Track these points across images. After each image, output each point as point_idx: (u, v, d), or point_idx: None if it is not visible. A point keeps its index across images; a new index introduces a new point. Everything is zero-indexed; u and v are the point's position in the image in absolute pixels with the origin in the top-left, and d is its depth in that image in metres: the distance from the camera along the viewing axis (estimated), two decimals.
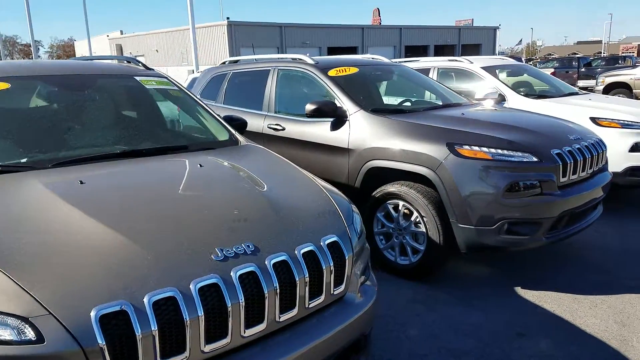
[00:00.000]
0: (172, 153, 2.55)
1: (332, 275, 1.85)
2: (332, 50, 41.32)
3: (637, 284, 3.35)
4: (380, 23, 49.06)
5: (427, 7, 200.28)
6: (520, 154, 3.07)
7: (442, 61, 6.32)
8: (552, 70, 16.70)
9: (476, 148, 3.11)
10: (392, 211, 3.47)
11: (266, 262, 1.69)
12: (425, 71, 6.31)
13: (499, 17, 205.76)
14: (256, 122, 4.48)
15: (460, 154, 3.12)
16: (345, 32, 42.77)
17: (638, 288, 3.29)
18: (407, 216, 3.39)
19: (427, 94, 4.82)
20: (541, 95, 5.63)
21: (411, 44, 47.07)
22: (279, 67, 4.51)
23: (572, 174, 3.21)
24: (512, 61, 6.65)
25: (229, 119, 3.19)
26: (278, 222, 1.91)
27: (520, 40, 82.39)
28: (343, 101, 3.85)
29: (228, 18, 34.96)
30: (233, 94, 4.94)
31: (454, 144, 3.17)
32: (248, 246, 1.72)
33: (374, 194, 3.56)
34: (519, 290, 3.29)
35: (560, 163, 3.11)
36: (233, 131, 3.01)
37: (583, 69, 20.46)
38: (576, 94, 5.99)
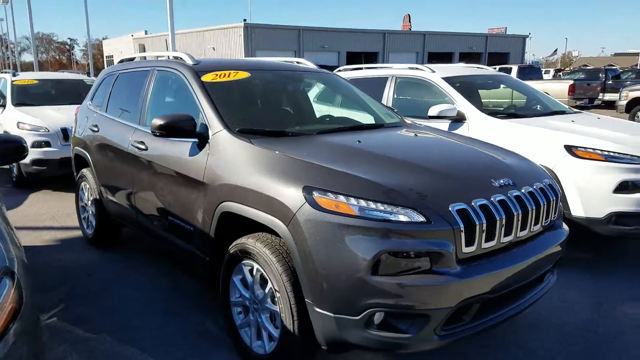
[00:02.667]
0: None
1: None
2: (351, 56, 40.40)
3: None
4: (410, 29, 47.88)
5: (458, 15, 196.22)
6: (399, 209, 2.06)
7: (401, 69, 5.29)
8: (572, 82, 15.25)
9: (341, 198, 2.11)
10: (248, 275, 2.51)
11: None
12: (382, 81, 5.31)
13: (534, 26, 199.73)
14: (124, 138, 3.61)
15: (318, 204, 2.13)
16: (366, 37, 41.75)
17: None
18: (264, 285, 2.42)
19: (355, 110, 3.83)
20: (512, 114, 4.53)
21: (435, 50, 45.65)
22: (157, 68, 3.61)
23: (486, 241, 2.16)
24: (490, 71, 5.55)
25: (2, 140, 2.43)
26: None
27: (556, 50, 79.71)
28: (207, 115, 2.91)
29: (245, 20, 34.48)
30: (115, 101, 4.08)
31: (312, 188, 2.18)
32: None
33: (229, 248, 2.61)
34: None
35: (462, 225, 2.07)
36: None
37: (610, 82, 18.83)
38: (563, 112, 4.86)
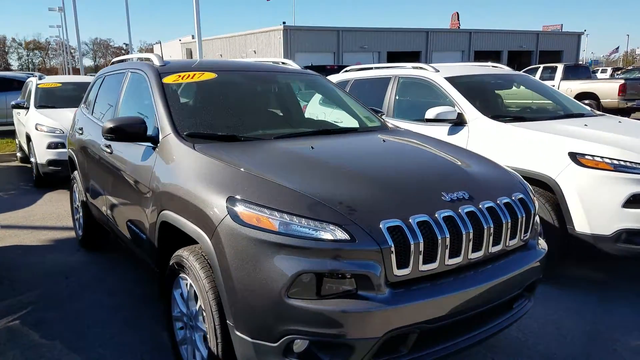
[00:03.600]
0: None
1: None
2: (392, 56, 39.75)
3: None
4: (459, 27, 46.60)
5: (510, 13, 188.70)
6: (323, 225, 1.83)
7: (404, 69, 4.99)
8: (622, 82, 14.12)
9: (265, 211, 1.91)
10: (185, 290, 2.35)
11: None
12: (385, 82, 5.04)
13: (594, 24, 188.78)
14: (98, 140, 3.57)
15: (240, 217, 1.94)
16: (408, 36, 40.93)
17: None
18: (197, 302, 2.26)
19: (340, 114, 3.62)
20: (520, 118, 4.14)
21: (482, 49, 44.07)
22: (130, 70, 3.55)
23: (425, 262, 1.90)
24: (505, 70, 5.13)
25: None
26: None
27: (617, 48, 75.18)
28: (159, 118, 2.79)
29: (284, 23, 34.71)
30: (99, 103, 4.08)
31: (236, 199, 2.00)
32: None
33: (170, 260, 2.46)
34: None
35: (392, 244, 1.82)
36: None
37: None
38: (581, 115, 4.40)
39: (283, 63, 4.02)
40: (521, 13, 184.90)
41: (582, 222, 3.28)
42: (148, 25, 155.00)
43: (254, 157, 2.39)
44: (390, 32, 40.22)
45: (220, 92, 3.23)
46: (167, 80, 3.04)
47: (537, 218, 2.43)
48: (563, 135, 3.54)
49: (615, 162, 3.22)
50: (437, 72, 4.58)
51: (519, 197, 2.28)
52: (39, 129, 6.65)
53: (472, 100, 4.19)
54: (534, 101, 5.13)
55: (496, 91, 4.91)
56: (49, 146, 6.47)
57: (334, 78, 5.82)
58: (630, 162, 3.20)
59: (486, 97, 4.54)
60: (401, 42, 40.61)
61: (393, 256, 1.81)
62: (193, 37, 55.17)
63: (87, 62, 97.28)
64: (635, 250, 3.19)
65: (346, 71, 5.86)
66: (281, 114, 3.55)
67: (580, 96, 14.64)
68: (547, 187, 3.44)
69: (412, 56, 40.64)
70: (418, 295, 1.85)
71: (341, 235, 1.80)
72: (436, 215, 1.95)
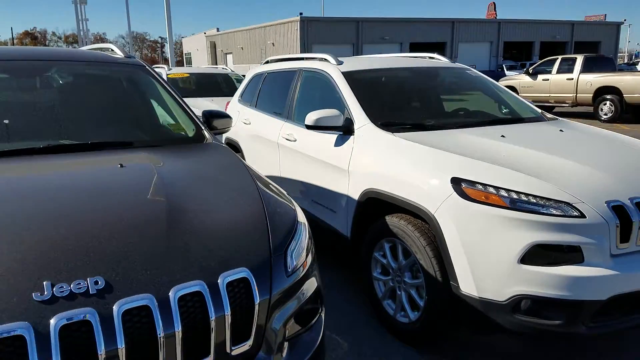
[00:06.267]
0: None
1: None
2: (415, 46, 38.15)
3: None
4: (495, 17, 44.46)
5: (548, 2, 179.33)
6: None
7: (310, 60, 4.02)
8: None
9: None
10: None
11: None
12: (290, 76, 4.10)
13: None
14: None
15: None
16: (432, 27, 39.16)
17: None
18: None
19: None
20: (418, 125, 3.07)
21: (512, 39, 41.76)
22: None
23: None
24: (442, 62, 4.06)
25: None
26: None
27: None
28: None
29: (301, 14, 33.75)
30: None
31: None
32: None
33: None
34: None
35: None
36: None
37: None
38: (520, 121, 3.32)
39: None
40: (561, 4, 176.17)
41: (468, 281, 2.28)
42: (180, 18, 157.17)
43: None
44: (414, 22, 38.55)
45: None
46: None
47: None
48: (453, 151, 2.52)
49: (514, 195, 2.19)
50: (338, 65, 3.60)
51: None
52: None
53: (366, 103, 3.19)
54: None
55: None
56: None
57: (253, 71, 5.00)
58: (535, 196, 2.17)
59: (391, 99, 3.52)
60: (425, 32, 38.89)
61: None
62: (218, 29, 55.09)
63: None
64: (541, 326, 2.17)
65: (266, 62, 4.94)
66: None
67: (601, 91, 13.07)
68: (429, 223, 2.46)
69: (436, 47, 38.87)
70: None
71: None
72: None
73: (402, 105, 3.46)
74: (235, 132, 4.84)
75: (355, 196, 2.93)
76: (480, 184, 2.26)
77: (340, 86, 3.35)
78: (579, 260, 2.09)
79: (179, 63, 61.18)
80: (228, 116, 2.88)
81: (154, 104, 2.77)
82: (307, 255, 1.68)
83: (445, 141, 2.71)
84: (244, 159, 4.62)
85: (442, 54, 4.38)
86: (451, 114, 3.58)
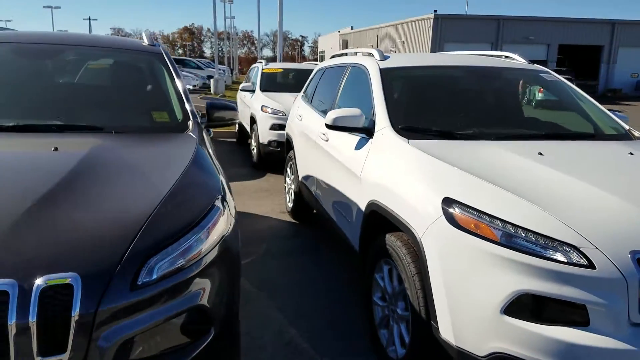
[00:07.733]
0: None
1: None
2: (565, 49, 34.19)
3: None
4: None
5: None
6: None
7: (360, 54, 3.73)
8: None
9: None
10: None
11: None
12: (341, 71, 3.87)
13: None
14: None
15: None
16: (586, 28, 34.62)
17: None
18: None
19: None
20: (445, 134, 2.59)
21: None
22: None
23: None
24: (512, 62, 3.45)
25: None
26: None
27: None
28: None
29: (435, 11, 32.45)
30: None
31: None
32: None
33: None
34: None
35: None
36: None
37: None
38: (587, 136, 2.65)
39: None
40: None
41: (447, 325, 1.87)
42: (321, 16, 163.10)
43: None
44: (564, 22, 34.46)
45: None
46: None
47: None
48: (460, 166, 2.08)
49: (510, 228, 1.72)
50: (381, 60, 3.27)
51: None
52: (264, 110, 6.89)
53: (394, 103, 2.83)
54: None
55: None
56: (272, 127, 6.66)
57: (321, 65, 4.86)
58: (536, 233, 1.68)
59: (426, 101, 3.08)
60: (577, 34, 34.52)
61: None
62: (352, 28, 55.98)
63: (267, 52, 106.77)
64: None
65: (332, 57, 4.75)
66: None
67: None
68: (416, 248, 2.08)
69: (591, 51, 34.41)
70: None
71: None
72: None
73: (437, 108, 3.00)
74: (290, 128, 4.80)
75: (363, 207, 2.63)
76: (474, 209, 1.83)
77: (373, 83, 3.01)
78: (582, 322, 1.58)
79: (315, 61, 63.54)
80: (231, 108, 2.79)
81: (158, 91, 2.78)
82: (197, 269, 1.49)
83: (465, 154, 2.27)
84: (295, 156, 4.50)
85: (598, 58, 3.61)
86: (498, 121, 2.98)
